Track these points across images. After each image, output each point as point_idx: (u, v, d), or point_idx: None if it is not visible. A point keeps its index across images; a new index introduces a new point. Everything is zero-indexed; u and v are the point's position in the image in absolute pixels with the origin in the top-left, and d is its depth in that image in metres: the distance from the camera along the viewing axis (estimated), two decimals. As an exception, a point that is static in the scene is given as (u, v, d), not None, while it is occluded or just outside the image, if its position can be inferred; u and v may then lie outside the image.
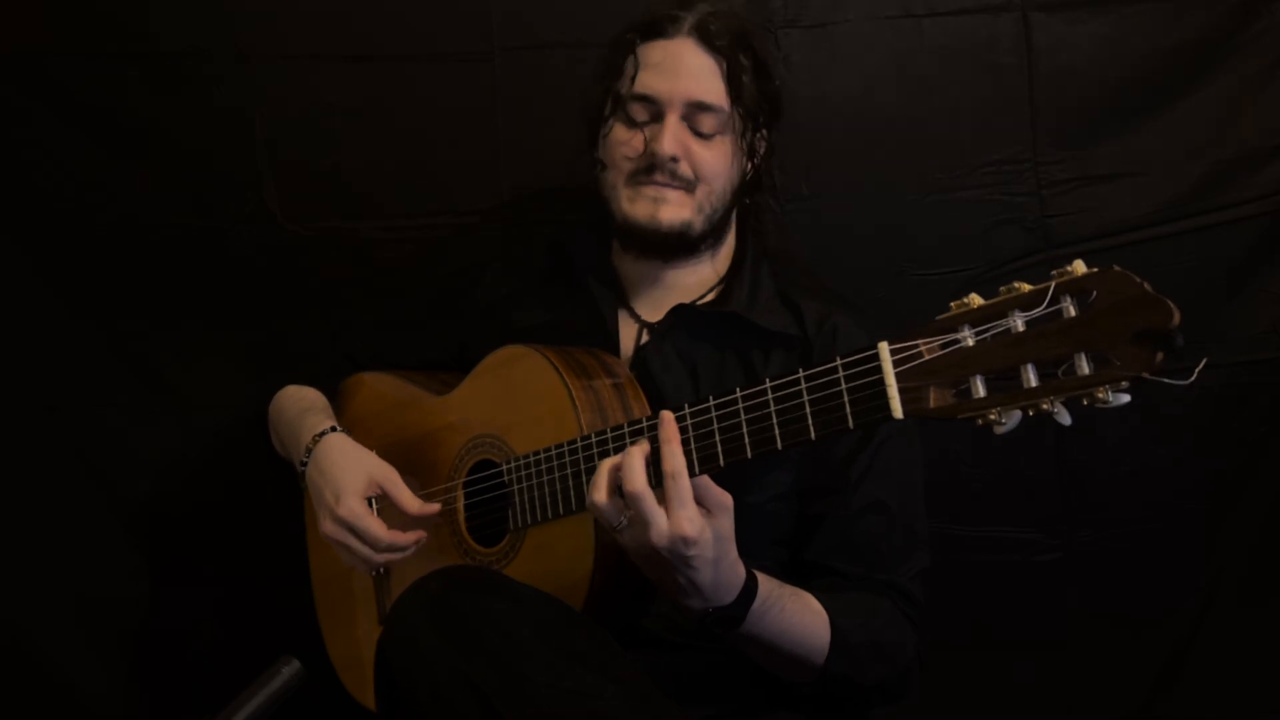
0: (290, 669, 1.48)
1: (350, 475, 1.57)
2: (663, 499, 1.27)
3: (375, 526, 1.54)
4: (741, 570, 1.34)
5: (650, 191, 1.58)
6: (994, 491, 2.06)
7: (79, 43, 2.12)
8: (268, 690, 1.46)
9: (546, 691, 1.25)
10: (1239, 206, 1.96)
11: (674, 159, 1.56)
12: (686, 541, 1.25)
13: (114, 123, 2.14)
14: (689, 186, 1.58)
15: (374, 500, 1.58)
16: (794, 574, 1.51)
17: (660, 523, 1.26)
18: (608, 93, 1.62)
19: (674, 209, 1.58)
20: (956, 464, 2.03)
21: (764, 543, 1.53)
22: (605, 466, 1.32)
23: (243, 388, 2.07)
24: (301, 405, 1.78)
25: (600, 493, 1.31)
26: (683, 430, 1.31)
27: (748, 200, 1.67)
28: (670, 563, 1.27)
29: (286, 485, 1.81)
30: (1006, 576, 2.07)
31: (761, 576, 1.37)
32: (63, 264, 2.16)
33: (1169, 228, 1.97)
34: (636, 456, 1.29)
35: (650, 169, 1.58)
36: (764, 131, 1.65)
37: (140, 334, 2.18)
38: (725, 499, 1.29)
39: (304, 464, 1.66)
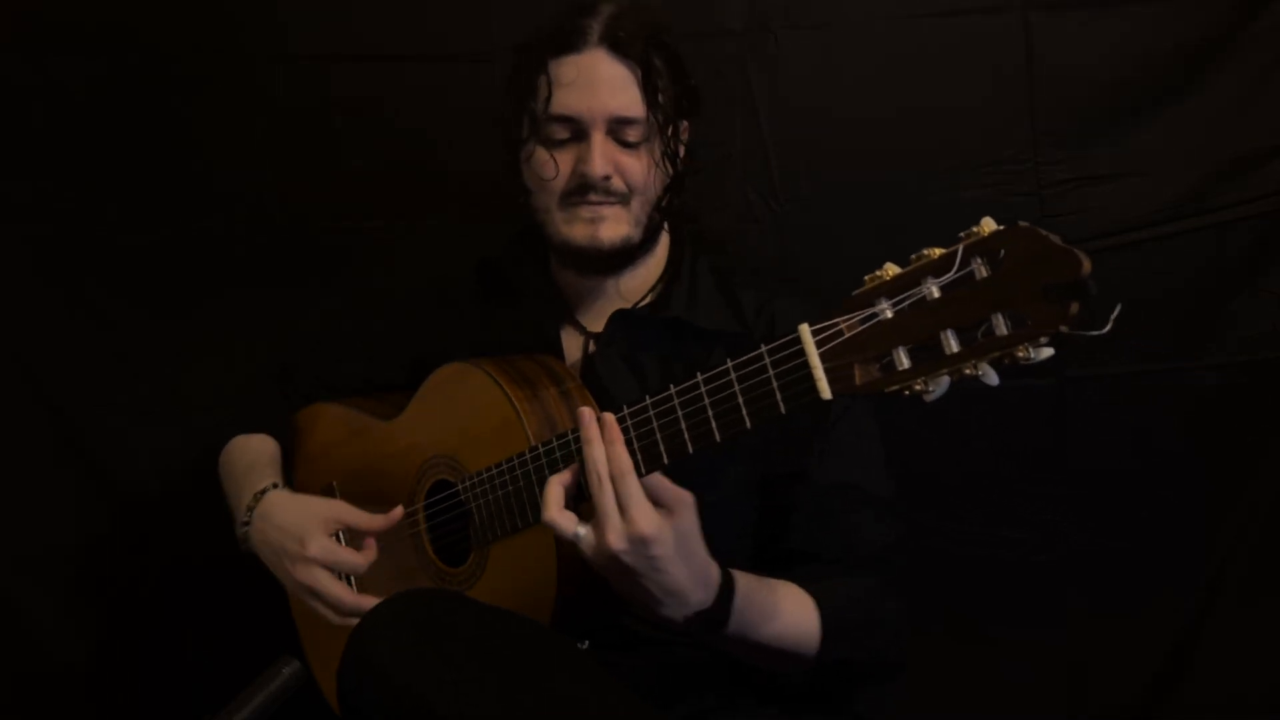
0: (290, 669, 1.48)
1: (307, 519, 1.57)
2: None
3: (351, 555, 1.54)
4: (715, 569, 1.32)
5: (586, 212, 1.54)
6: (992, 491, 2.06)
7: (79, 43, 2.12)
8: (268, 690, 1.46)
9: (519, 707, 1.24)
10: (1239, 206, 1.96)
11: (606, 177, 1.53)
12: (645, 541, 1.23)
13: (114, 123, 2.14)
14: (624, 200, 1.55)
15: (340, 536, 1.58)
16: (766, 566, 1.49)
17: (615, 525, 1.24)
18: (523, 113, 1.56)
19: (612, 226, 1.55)
20: (952, 464, 2.03)
21: (729, 537, 1.49)
22: (553, 483, 1.31)
23: (243, 388, 2.07)
24: (246, 459, 1.75)
25: (550, 509, 1.30)
26: (624, 431, 1.30)
27: (676, 200, 1.62)
28: (633, 568, 1.25)
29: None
30: (1005, 576, 2.07)
31: (738, 573, 1.35)
32: (63, 264, 2.16)
33: (1169, 228, 1.97)
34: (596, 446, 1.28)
35: (582, 189, 1.53)
36: (685, 123, 1.62)
37: (140, 334, 2.18)
38: (684, 495, 1.27)
39: (245, 524, 1.64)
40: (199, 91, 2.13)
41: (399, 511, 1.55)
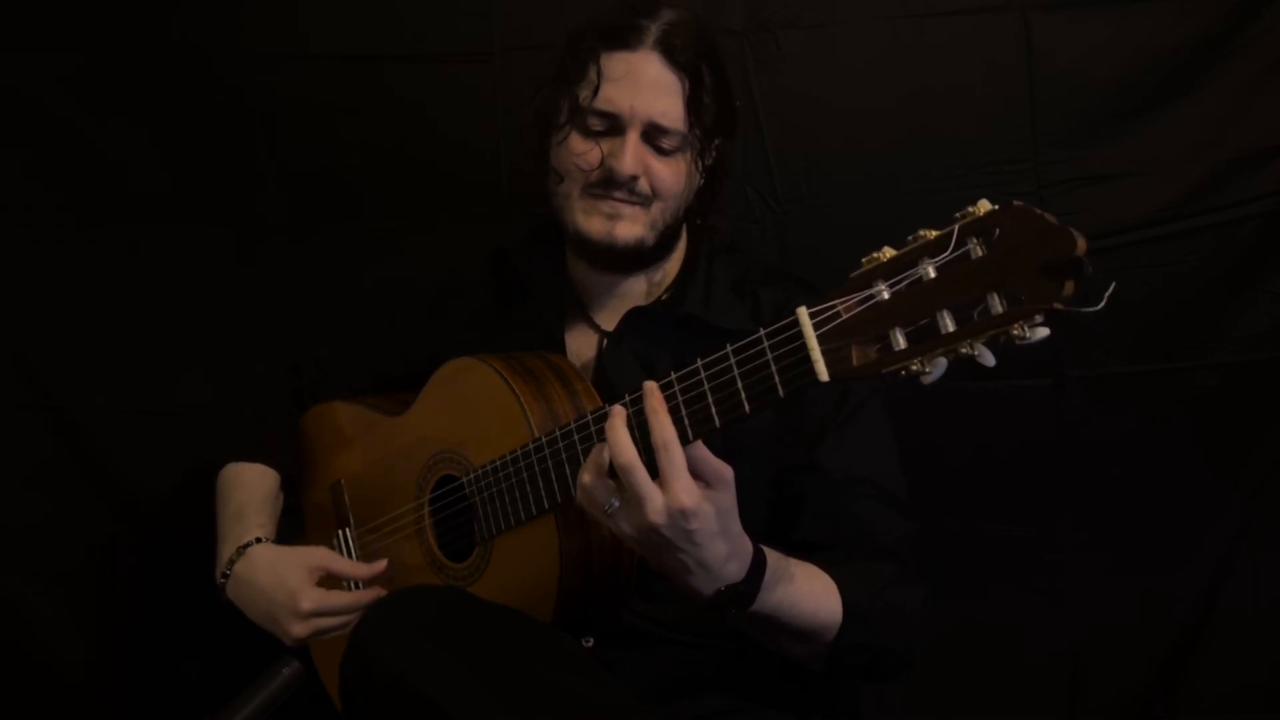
0: (290, 669, 1.49)
1: (291, 575, 1.58)
2: (655, 474, 1.21)
3: (343, 597, 1.57)
4: (748, 544, 1.28)
5: (606, 207, 1.54)
6: (991, 491, 2.06)
7: (80, 43, 2.12)
8: (268, 690, 1.47)
9: (517, 706, 1.24)
10: (1239, 206, 1.96)
11: (633, 178, 1.53)
12: (685, 514, 1.19)
13: (114, 123, 2.14)
14: (645, 202, 1.55)
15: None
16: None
17: (655, 497, 1.20)
18: (564, 98, 1.55)
19: (629, 225, 1.55)
20: (951, 463, 2.03)
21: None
22: (596, 448, 1.27)
23: (242, 388, 2.07)
24: (237, 501, 1.74)
25: (588, 474, 1.26)
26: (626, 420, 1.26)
27: (700, 221, 1.63)
28: (671, 541, 1.21)
29: (285, 485, 1.81)
30: (1003, 576, 2.07)
31: (768, 550, 1.33)
32: (63, 264, 2.16)
33: (1168, 228, 1.97)
34: (620, 429, 1.23)
35: (608, 184, 1.53)
36: (718, 141, 1.62)
37: (140, 334, 2.18)
38: (725, 471, 1.23)
39: (225, 576, 1.65)
40: (199, 91, 2.14)
41: (382, 564, 1.60)
